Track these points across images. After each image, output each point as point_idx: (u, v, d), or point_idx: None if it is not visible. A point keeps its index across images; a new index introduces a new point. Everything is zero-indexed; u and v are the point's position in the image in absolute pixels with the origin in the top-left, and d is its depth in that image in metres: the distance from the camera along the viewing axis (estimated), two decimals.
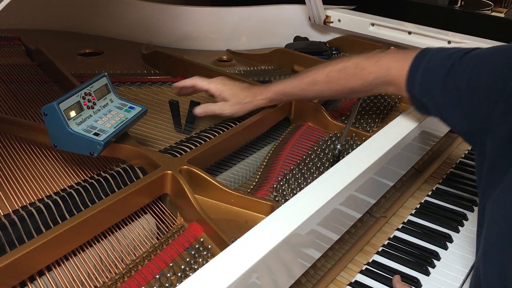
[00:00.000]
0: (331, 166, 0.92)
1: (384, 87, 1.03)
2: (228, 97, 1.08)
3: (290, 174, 1.01)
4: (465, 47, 0.94)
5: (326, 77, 1.05)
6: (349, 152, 0.96)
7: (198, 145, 0.99)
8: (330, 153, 1.09)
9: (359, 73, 1.02)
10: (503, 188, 0.76)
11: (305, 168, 1.04)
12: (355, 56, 1.06)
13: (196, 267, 0.76)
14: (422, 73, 0.94)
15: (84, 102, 0.91)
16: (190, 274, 0.68)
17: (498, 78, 0.82)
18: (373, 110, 1.31)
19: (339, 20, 1.72)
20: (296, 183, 0.99)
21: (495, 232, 0.76)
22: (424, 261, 0.98)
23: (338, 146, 1.05)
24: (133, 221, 0.84)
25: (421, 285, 0.93)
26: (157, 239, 0.85)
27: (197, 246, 0.80)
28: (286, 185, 0.98)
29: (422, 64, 0.95)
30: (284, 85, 1.10)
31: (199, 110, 1.09)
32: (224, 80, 1.10)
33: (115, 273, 0.75)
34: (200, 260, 0.78)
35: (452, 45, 1.54)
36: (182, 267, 0.75)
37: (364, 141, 1.02)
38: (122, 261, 0.78)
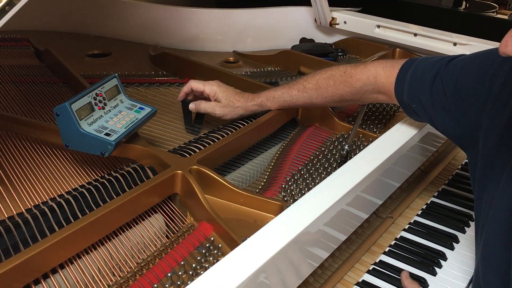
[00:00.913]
0: (339, 167, 0.93)
1: (374, 95, 1.05)
2: (221, 98, 1.10)
3: (298, 175, 1.02)
4: (450, 55, 0.95)
5: (315, 84, 1.08)
6: (356, 153, 0.97)
7: (207, 145, 1.00)
8: (338, 154, 1.10)
9: (347, 80, 1.05)
10: (499, 191, 0.76)
11: (313, 168, 1.05)
12: (344, 65, 1.08)
13: (207, 265, 0.77)
14: (409, 80, 0.96)
15: (95, 102, 0.92)
16: (202, 272, 0.69)
17: (484, 80, 0.84)
18: (380, 111, 1.31)
19: (345, 22, 1.74)
20: (304, 183, 1.00)
21: (493, 235, 0.76)
22: (431, 261, 0.99)
23: (346, 147, 1.06)
24: (143, 220, 0.85)
25: (428, 285, 0.94)
26: (167, 238, 0.86)
27: (207, 245, 0.81)
28: (295, 185, 0.99)
29: (409, 71, 0.97)
30: (275, 91, 1.12)
31: (191, 106, 1.13)
32: (219, 82, 1.13)
33: (127, 271, 0.76)
34: (211, 258, 0.79)
35: (457, 46, 1.54)
36: (193, 265, 0.76)
37: (371, 142, 1.03)
38: (133, 259, 0.79)
